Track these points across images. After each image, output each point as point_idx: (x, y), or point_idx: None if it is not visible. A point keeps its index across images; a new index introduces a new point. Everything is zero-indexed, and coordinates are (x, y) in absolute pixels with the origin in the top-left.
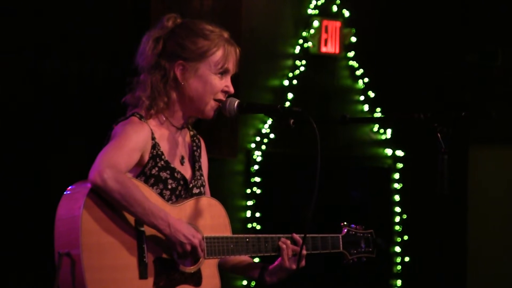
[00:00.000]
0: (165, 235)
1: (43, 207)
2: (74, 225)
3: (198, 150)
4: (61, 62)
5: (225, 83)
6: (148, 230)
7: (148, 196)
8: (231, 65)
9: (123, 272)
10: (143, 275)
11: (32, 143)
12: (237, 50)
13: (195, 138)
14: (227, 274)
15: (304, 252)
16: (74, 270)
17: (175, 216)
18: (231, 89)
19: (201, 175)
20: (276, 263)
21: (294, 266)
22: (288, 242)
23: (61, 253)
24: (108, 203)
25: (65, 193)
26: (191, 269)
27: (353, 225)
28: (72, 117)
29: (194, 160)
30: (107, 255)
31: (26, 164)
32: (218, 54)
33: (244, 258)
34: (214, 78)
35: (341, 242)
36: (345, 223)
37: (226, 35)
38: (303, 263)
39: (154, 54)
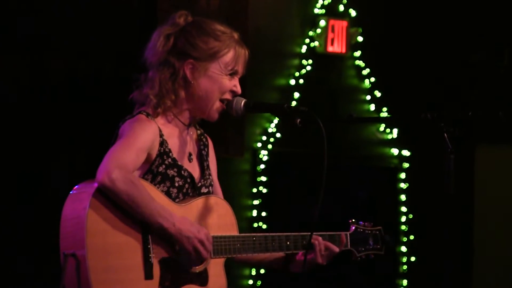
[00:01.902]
0: (171, 234)
1: (48, 207)
2: (79, 226)
3: (206, 149)
4: (68, 61)
5: (234, 83)
6: (154, 230)
7: (155, 196)
8: (240, 67)
9: (128, 273)
10: (148, 275)
11: (38, 142)
12: (247, 52)
13: (202, 137)
14: (233, 273)
15: (337, 249)
16: (79, 271)
17: (182, 215)
18: (239, 90)
19: (210, 174)
20: (301, 256)
21: (325, 262)
22: (320, 238)
23: (66, 253)
24: (114, 203)
25: (71, 192)
26: (197, 268)
27: (361, 222)
28: (79, 116)
29: (202, 159)
30: (113, 255)
31: (32, 163)
32: (229, 55)
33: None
34: (223, 78)
35: (349, 240)
36: (353, 220)
37: (236, 36)
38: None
39: (164, 50)
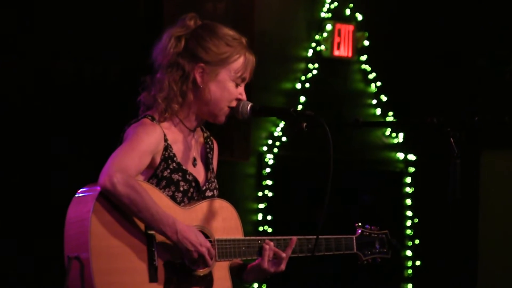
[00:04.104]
0: (173, 241)
1: (53, 210)
2: (83, 229)
3: (211, 152)
4: (74, 64)
5: (240, 90)
6: (158, 233)
7: (158, 200)
8: (248, 74)
9: (132, 276)
10: (153, 278)
11: (43, 144)
12: (254, 59)
13: (208, 140)
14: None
15: (284, 255)
16: (83, 274)
17: (186, 219)
18: (244, 97)
19: (215, 177)
20: (254, 262)
21: (272, 270)
22: (272, 244)
23: (70, 256)
24: (118, 206)
25: (75, 195)
26: (202, 271)
27: (367, 226)
28: (84, 119)
29: (207, 162)
30: (117, 258)
31: (37, 165)
32: (239, 61)
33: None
34: (231, 85)
35: (355, 244)
36: (360, 223)
37: (245, 42)
38: (282, 266)
39: (175, 52)
